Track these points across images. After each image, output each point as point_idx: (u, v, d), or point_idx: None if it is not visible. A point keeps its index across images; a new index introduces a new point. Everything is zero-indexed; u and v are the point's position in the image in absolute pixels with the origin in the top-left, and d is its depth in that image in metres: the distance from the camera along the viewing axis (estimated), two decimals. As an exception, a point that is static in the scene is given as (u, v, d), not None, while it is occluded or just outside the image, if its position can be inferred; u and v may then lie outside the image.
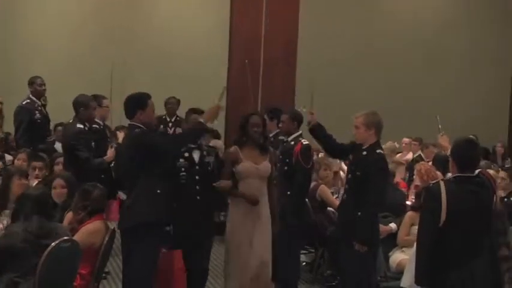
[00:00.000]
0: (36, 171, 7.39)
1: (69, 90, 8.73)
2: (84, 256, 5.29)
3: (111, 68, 9.96)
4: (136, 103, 5.72)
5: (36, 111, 8.97)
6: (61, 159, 7.68)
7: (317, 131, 6.55)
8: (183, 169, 6.02)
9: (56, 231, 5.12)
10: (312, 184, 7.74)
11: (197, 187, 6.06)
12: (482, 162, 7.60)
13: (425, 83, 14.55)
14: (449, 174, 5.16)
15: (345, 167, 7.80)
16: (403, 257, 7.26)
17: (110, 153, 7.51)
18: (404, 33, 14.67)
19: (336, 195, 8.21)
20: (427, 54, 14.67)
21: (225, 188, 6.15)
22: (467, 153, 4.70)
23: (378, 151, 6.04)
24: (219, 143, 10.32)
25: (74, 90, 8.25)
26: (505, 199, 7.50)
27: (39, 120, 8.98)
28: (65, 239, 5.06)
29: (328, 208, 7.97)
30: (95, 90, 8.43)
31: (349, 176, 6.26)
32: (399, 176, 8.83)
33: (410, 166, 10.04)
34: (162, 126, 9.61)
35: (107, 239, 5.66)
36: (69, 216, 5.90)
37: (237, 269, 6.10)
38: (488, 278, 4.58)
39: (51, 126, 9.69)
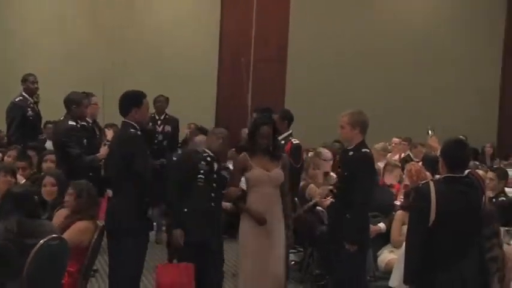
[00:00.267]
0: (20, 171, 7.32)
1: (61, 88, 8.69)
2: (72, 254, 5.25)
3: (104, 66, 9.97)
4: (132, 101, 5.68)
5: (29, 109, 8.94)
6: (50, 157, 7.63)
7: None
8: (201, 171, 5.92)
9: (42, 229, 5.03)
10: (301, 183, 7.72)
11: (212, 194, 5.98)
12: (471, 163, 7.59)
13: (417, 84, 14.58)
14: (437, 176, 5.15)
15: None
16: (392, 257, 7.25)
17: (103, 150, 7.43)
18: (401, 33, 14.68)
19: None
20: (418, 54, 14.69)
21: (233, 195, 6.05)
22: (457, 153, 4.69)
23: (363, 150, 5.99)
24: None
25: (66, 89, 8.21)
26: (494, 199, 7.49)
27: (31, 118, 8.95)
28: (53, 237, 5.00)
29: (318, 207, 7.94)
30: (87, 89, 8.38)
31: (337, 177, 6.25)
32: (394, 179, 8.77)
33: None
34: (151, 124, 9.58)
35: (95, 236, 5.63)
36: (60, 213, 5.86)
37: (249, 283, 5.94)
38: (477, 279, 4.57)
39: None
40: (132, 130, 5.59)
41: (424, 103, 14.30)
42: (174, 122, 10.09)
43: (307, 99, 13.61)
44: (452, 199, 4.54)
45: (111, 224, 5.63)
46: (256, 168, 5.99)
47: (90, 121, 8.09)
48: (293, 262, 8.36)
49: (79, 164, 7.28)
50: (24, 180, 6.95)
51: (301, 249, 8.23)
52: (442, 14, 15.14)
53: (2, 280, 4.86)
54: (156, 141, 9.59)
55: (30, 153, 8.07)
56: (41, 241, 4.86)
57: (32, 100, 9.02)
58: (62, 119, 7.76)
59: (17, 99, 8.98)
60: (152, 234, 7.69)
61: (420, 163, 8.96)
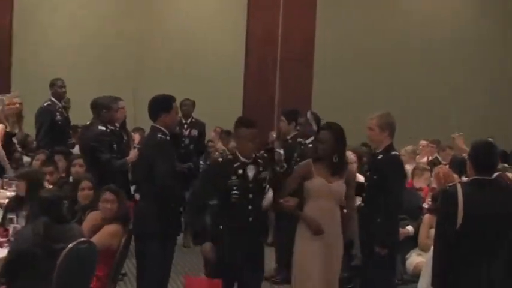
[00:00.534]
0: (48, 176, 7.38)
1: (87, 92, 8.79)
2: (101, 257, 5.29)
3: (132, 70, 9.97)
4: (161, 105, 5.70)
5: (57, 113, 9.05)
6: (78, 161, 7.67)
7: None
8: (235, 187, 5.34)
9: (70, 234, 5.07)
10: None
11: (250, 207, 5.38)
12: (500, 165, 7.52)
13: (436, 83, 14.47)
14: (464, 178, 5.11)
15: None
16: (420, 260, 7.21)
17: (133, 153, 7.48)
18: (422, 32, 14.60)
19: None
20: (441, 53, 14.60)
21: (292, 207, 5.61)
22: (484, 155, 4.63)
23: (393, 153, 5.94)
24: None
25: (91, 93, 8.30)
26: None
27: (60, 122, 9.06)
28: (82, 241, 5.04)
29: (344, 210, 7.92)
30: (112, 93, 8.45)
31: (367, 182, 6.18)
32: (424, 182, 8.72)
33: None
34: (177, 128, 9.63)
35: (123, 240, 5.68)
36: (92, 216, 5.92)
37: None
38: (505, 283, 4.53)
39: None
40: (160, 135, 5.61)
41: (443, 103, 14.20)
42: (200, 126, 10.08)
43: (333, 100, 13.59)
44: (480, 202, 4.49)
45: (138, 227, 5.68)
46: (318, 177, 5.63)
47: (117, 125, 8.15)
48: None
49: (109, 168, 7.34)
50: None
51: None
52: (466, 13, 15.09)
53: (30, 283, 4.92)
54: (182, 145, 9.61)
55: (58, 157, 8.12)
56: (70, 245, 4.90)
57: (60, 104, 9.13)
58: (89, 123, 7.82)
59: (45, 104, 9.09)
60: (180, 238, 7.75)
61: (448, 166, 8.93)
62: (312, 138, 7.16)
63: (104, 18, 13.70)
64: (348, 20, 14.33)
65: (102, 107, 7.66)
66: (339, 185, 5.68)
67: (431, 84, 14.39)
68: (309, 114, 7.99)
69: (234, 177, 5.35)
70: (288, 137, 8.33)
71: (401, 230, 7.18)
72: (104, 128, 7.60)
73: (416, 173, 8.78)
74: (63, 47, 13.38)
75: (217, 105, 12.92)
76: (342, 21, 14.30)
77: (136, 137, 9.30)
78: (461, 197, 4.46)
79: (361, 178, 7.11)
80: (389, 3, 14.93)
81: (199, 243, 5.67)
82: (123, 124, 8.29)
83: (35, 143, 9.66)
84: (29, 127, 9.64)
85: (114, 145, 7.68)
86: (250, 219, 5.38)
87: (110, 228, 5.69)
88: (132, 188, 7.71)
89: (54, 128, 8.96)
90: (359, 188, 6.21)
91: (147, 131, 6.20)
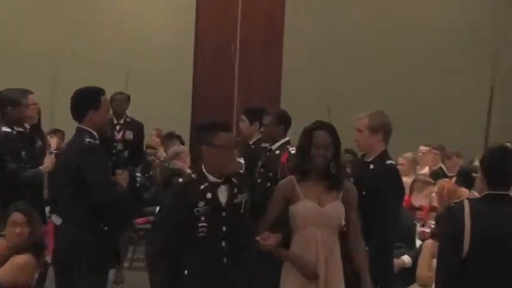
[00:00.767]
0: None
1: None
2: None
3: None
4: (88, 101, 5.72)
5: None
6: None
7: None
8: (202, 218, 5.05)
9: None
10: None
11: (223, 243, 5.11)
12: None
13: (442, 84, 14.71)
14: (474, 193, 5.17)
15: None
16: (421, 296, 7.33)
17: (49, 161, 7.43)
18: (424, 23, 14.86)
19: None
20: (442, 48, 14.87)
21: (272, 247, 5.23)
22: (499, 165, 4.62)
23: (388, 162, 5.94)
24: (182, 149, 10.33)
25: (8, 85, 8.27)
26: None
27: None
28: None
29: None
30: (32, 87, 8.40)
31: None
32: (424, 199, 8.73)
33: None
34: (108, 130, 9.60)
35: (36, 275, 5.68)
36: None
37: None
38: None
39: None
40: (88, 140, 5.63)
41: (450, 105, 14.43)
42: (137, 127, 10.02)
43: (307, 97, 13.69)
44: (493, 223, 4.51)
45: (60, 259, 5.66)
46: (306, 200, 5.30)
47: (28, 126, 8.07)
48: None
49: (17, 181, 7.29)
50: None
51: None
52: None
53: None
54: (114, 151, 9.48)
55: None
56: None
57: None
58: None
59: None
60: (112, 272, 7.75)
61: (455, 179, 9.00)
62: (280, 143, 7.21)
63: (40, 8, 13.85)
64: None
65: (7, 103, 7.61)
66: (334, 207, 5.34)
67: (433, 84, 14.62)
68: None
69: (201, 204, 5.07)
70: (250, 142, 8.39)
71: (396, 260, 7.27)
72: (9, 130, 7.55)
73: (416, 187, 8.83)
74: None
75: (158, 102, 12.95)
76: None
77: (54, 141, 9.24)
78: (468, 217, 4.49)
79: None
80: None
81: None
82: (36, 125, 8.23)
83: None
84: None
85: (23, 152, 7.62)
86: (225, 260, 5.11)
87: (19, 260, 5.69)
88: (47, 208, 7.67)
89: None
90: None
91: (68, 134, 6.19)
